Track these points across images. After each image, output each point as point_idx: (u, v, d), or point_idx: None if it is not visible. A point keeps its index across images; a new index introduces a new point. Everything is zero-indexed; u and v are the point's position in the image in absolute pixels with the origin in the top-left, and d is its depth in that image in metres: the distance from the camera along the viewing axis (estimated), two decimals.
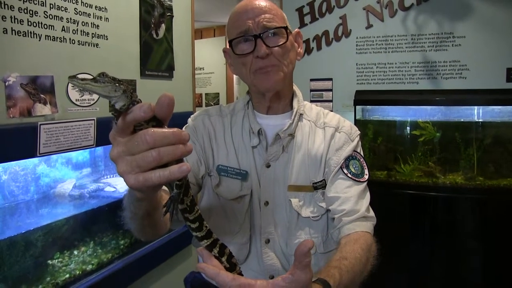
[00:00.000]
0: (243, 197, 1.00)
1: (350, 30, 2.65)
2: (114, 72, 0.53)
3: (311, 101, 2.66)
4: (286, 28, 0.97)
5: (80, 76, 0.51)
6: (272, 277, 0.96)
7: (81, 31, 1.42)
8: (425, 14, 2.48)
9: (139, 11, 1.72)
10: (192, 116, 1.11)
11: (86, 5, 1.44)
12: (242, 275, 0.67)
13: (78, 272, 1.48)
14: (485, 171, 2.34)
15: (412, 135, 2.47)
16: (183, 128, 1.08)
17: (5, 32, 1.16)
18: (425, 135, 2.41)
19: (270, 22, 0.94)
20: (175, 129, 0.52)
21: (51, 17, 1.30)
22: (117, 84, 0.52)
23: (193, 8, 2.13)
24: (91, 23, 1.47)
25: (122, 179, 0.53)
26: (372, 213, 0.98)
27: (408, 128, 2.54)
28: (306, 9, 2.73)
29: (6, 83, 1.16)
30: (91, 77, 0.52)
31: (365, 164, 1.03)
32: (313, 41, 2.74)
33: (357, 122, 2.43)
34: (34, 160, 1.43)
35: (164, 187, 0.80)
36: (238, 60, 0.98)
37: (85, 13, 1.44)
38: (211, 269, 0.61)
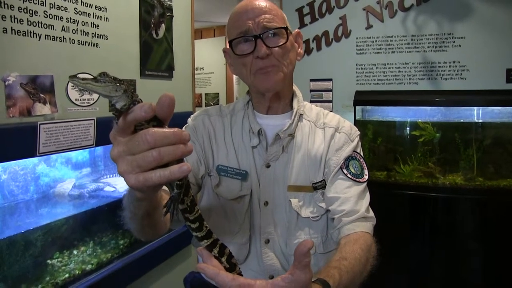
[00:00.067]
0: (243, 197, 1.00)
1: (350, 30, 2.65)
2: (114, 72, 0.53)
3: (311, 102, 2.66)
4: (286, 28, 0.97)
5: (81, 75, 0.51)
6: (271, 277, 0.96)
7: (81, 30, 1.42)
8: (425, 15, 2.48)
9: (139, 11, 1.72)
10: (192, 116, 1.11)
11: (86, 4, 1.44)
12: (241, 275, 0.67)
13: (77, 272, 1.47)
14: (485, 171, 2.34)
15: (412, 135, 2.48)
16: (183, 128, 1.08)
17: (5, 31, 1.16)
18: (424, 136, 2.41)
19: (270, 22, 0.94)
20: (176, 129, 0.52)
21: (51, 16, 1.30)
22: (118, 84, 0.52)
23: (193, 8, 2.13)
24: (91, 23, 1.47)
25: (121, 178, 0.53)
26: (371, 214, 0.98)
27: (407, 128, 2.54)
28: (306, 10, 2.73)
29: (6, 83, 1.16)
30: (92, 76, 0.52)
31: (365, 165, 1.03)
32: (313, 41, 2.74)
33: (356, 123, 2.43)
34: (34, 159, 1.43)
35: (164, 187, 0.80)
36: (238, 60, 0.98)
37: (85, 13, 1.44)
38: (211, 269, 0.61)
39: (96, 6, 1.48)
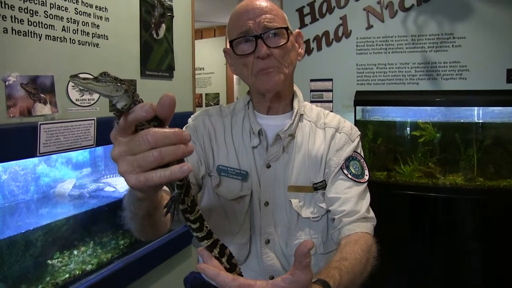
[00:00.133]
0: (243, 197, 1.00)
1: (351, 30, 2.65)
2: (115, 72, 0.53)
3: (311, 102, 2.65)
4: (287, 28, 0.96)
5: (81, 75, 0.51)
6: (272, 278, 0.96)
7: (81, 31, 1.42)
8: (425, 15, 2.48)
9: (139, 11, 1.72)
10: (192, 116, 1.11)
11: (87, 5, 1.44)
12: (242, 275, 0.67)
13: (78, 272, 1.47)
14: (485, 172, 2.34)
15: (412, 135, 2.48)
16: (184, 128, 1.08)
17: (5, 31, 1.16)
18: (425, 136, 2.41)
19: (271, 22, 0.94)
20: (177, 129, 0.52)
21: (51, 16, 1.30)
22: (119, 84, 0.52)
23: (193, 8, 2.13)
24: (92, 23, 1.47)
25: (122, 179, 0.53)
26: (372, 214, 0.98)
27: (408, 128, 2.54)
28: (307, 10, 2.73)
29: (6, 83, 1.16)
30: (93, 76, 0.52)
31: (365, 165, 1.03)
32: (313, 41, 2.74)
33: (357, 123, 2.43)
34: (34, 159, 1.43)
35: (165, 187, 0.80)
36: (239, 61, 0.98)
37: (85, 13, 1.44)
38: (211, 270, 0.61)
39: (96, 6, 1.48)
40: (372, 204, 0.99)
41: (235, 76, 4.98)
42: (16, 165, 1.39)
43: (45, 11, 1.28)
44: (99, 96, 1.49)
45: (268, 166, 1.00)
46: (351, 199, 0.95)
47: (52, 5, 1.30)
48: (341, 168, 0.99)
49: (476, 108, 2.45)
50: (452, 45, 2.45)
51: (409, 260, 2.35)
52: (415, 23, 2.51)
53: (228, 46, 1.01)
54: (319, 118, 1.07)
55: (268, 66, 0.94)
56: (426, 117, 2.50)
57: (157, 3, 1.82)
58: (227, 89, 5.08)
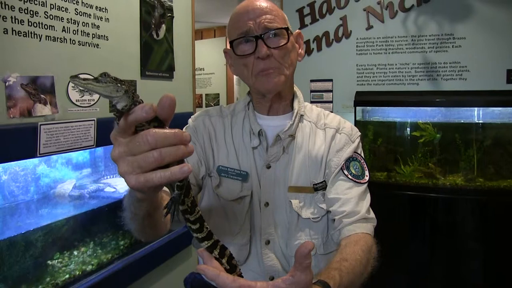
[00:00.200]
0: (244, 198, 1.00)
1: (351, 31, 2.65)
2: (115, 73, 0.53)
3: (311, 102, 2.66)
4: (287, 29, 0.96)
5: (82, 76, 0.51)
6: (272, 278, 0.96)
7: (81, 31, 1.42)
8: (426, 15, 2.48)
9: (139, 12, 1.72)
10: (192, 116, 1.11)
11: (87, 5, 1.44)
12: (242, 276, 0.67)
13: (78, 273, 1.47)
14: (485, 172, 2.34)
15: (412, 136, 2.47)
16: (184, 129, 1.08)
17: (5, 32, 1.16)
18: (425, 136, 2.41)
19: (271, 23, 0.94)
20: (177, 130, 0.51)
21: (51, 17, 1.30)
22: (119, 85, 0.52)
23: (193, 9, 2.13)
24: (92, 24, 1.47)
25: (122, 179, 0.53)
26: (372, 215, 0.98)
27: (408, 129, 2.54)
28: (307, 10, 2.73)
29: (7, 83, 1.16)
30: (93, 77, 0.52)
31: (365, 166, 1.03)
32: (313, 42, 2.74)
33: (357, 123, 2.43)
34: (34, 160, 1.43)
35: (165, 188, 0.80)
36: (239, 61, 0.98)
37: (85, 13, 1.44)
38: (212, 271, 0.61)
39: (96, 7, 1.49)
40: (372, 205, 0.99)
41: (235, 77, 4.98)
42: (16, 166, 1.39)
43: (45, 12, 1.28)
44: (99, 97, 1.49)
45: (268, 167, 1.00)
46: (351, 199, 0.95)
47: (52, 6, 1.30)
48: (341, 168, 0.99)
49: (476, 108, 2.45)
50: (452, 46, 2.45)
51: (409, 260, 2.35)
52: (415, 24, 2.51)
53: (228, 47, 1.01)
54: (319, 118, 1.07)
55: (268, 67, 0.94)
56: (426, 118, 2.50)
57: (157, 4, 1.82)
58: (227, 90, 5.08)
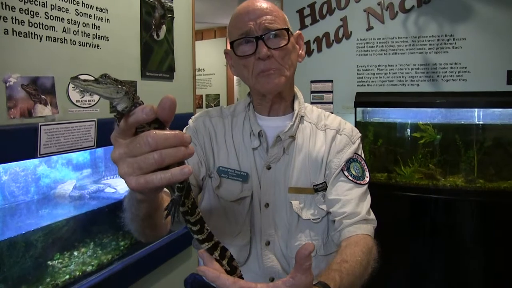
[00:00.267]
0: (244, 198, 0.99)
1: (351, 32, 2.65)
2: (115, 73, 0.53)
3: (312, 103, 2.66)
4: (287, 30, 0.96)
5: (82, 77, 0.51)
6: (272, 279, 0.96)
7: (81, 32, 1.42)
8: (426, 16, 2.48)
9: (139, 12, 1.72)
10: (193, 117, 1.11)
11: (87, 6, 1.44)
12: (242, 278, 0.67)
13: (78, 273, 1.47)
14: (486, 173, 2.33)
15: (413, 137, 2.47)
16: (184, 130, 1.08)
17: (6, 33, 1.16)
18: (425, 137, 2.41)
19: (271, 23, 0.94)
20: (177, 131, 0.51)
21: (52, 18, 1.30)
22: (120, 86, 0.52)
23: (193, 9, 2.13)
24: (92, 24, 1.47)
25: (122, 180, 0.53)
26: (372, 216, 0.98)
27: (408, 130, 2.53)
28: (307, 11, 2.73)
29: (7, 84, 1.16)
30: (93, 78, 0.52)
31: (366, 167, 1.03)
32: (313, 43, 2.74)
33: (357, 124, 2.43)
34: (35, 161, 1.43)
35: (165, 189, 0.80)
36: (240, 62, 0.98)
37: (86, 14, 1.44)
38: (212, 272, 0.61)
39: (97, 8, 1.49)
40: (372, 206, 0.99)
41: (235, 78, 4.98)
42: (16, 166, 1.39)
43: (45, 12, 1.28)
44: (100, 98, 1.49)
45: (269, 168, 1.00)
46: (351, 201, 0.95)
47: (52, 6, 1.30)
48: (341, 169, 0.99)
49: (476, 109, 2.44)
50: (453, 47, 2.45)
51: (409, 261, 2.35)
52: (415, 25, 2.51)
53: (228, 47, 1.01)
54: (320, 119, 1.07)
55: (268, 68, 0.94)
56: (426, 119, 2.50)
57: (158, 4, 1.82)
58: (228, 90, 5.09)
